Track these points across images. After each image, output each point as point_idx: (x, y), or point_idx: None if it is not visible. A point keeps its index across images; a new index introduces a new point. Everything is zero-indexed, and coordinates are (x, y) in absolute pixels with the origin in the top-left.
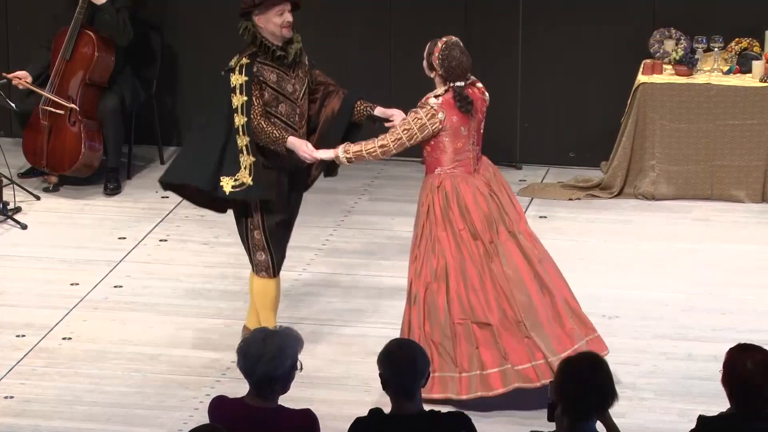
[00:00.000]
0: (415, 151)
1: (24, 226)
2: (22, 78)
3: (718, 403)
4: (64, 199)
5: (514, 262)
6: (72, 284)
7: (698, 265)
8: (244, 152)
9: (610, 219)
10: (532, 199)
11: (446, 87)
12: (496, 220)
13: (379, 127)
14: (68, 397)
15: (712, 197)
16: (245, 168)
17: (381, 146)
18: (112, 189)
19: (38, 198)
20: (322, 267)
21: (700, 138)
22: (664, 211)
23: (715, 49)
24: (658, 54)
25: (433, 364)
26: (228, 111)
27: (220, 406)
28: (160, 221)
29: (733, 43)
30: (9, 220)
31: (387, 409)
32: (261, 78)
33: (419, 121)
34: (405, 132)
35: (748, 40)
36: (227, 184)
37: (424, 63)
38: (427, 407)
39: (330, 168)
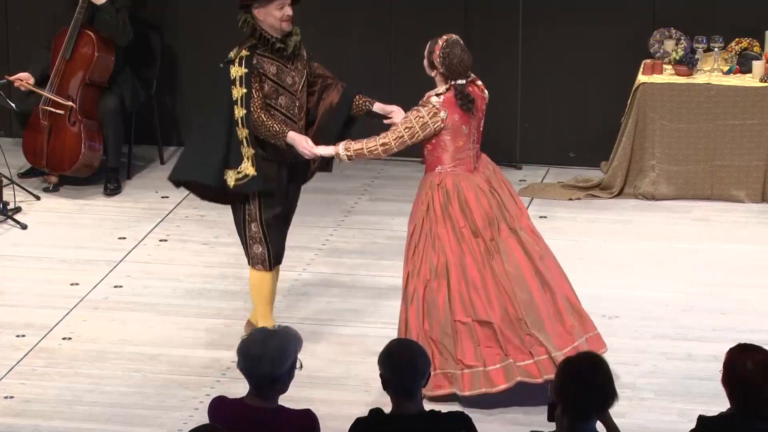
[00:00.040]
0: (415, 151)
1: (24, 226)
2: (24, 80)
3: (718, 403)
4: (64, 199)
5: (515, 259)
6: (72, 284)
7: (698, 265)
8: (245, 144)
9: (610, 219)
10: (532, 199)
11: (447, 85)
12: (497, 218)
13: (377, 123)
14: (68, 397)
15: (712, 197)
16: (248, 159)
17: (382, 144)
18: (112, 189)
19: (38, 198)
20: (322, 267)
21: (700, 138)
22: (664, 211)
23: (715, 49)
24: (658, 54)
25: (433, 362)
26: (229, 104)
27: (219, 406)
28: (160, 221)
29: (733, 43)
30: (9, 220)
31: (387, 409)
32: (261, 70)
33: (421, 119)
34: (407, 130)
35: (748, 40)
36: (231, 177)
37: (425, 62)
38: (428, 406)
39: (325, 163)
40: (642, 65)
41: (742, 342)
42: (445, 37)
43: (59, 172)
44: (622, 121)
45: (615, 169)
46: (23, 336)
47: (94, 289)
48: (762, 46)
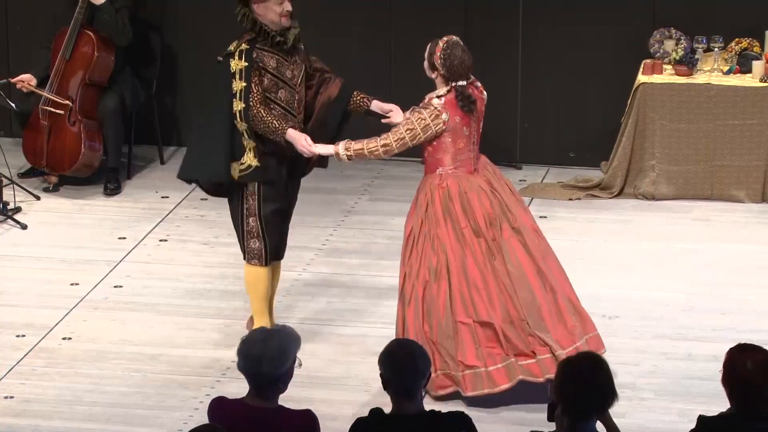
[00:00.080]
0: (415, 151)
1: (24, 226)
2: (26, 81)
3: (718, 403)
4: (64, 199)
5: (517, 259)
6: (72, 284)
7: (698, 265)
8: (246, 136)
9: (610, 219)
10: (532, 199)
11: (448, 87)
12: (499, 218)
13: (375, 121)
14: (68, 397)
15: (712, 197)
16: (249, 150)
17: (383, 145)
18: (112, 189)
19: (38, 198)
20: (322, 267)
21: (700, 138)
22: (664, 211)
23: (715, 49)
24: (658, 54)
25: (434, 364)
26: (229, 97)
27: (219, 406)
28: (160, 221)
29: (733, 43)
30: (9, 220)
31: (387, 409)
32: (260, 64)
33: (423, 121)
34: (408, 132)
35: (748, 40)
36: (235, 169)
37: (425, 63)
38: (430, 405)
39: (321, 159)
40: (642, 65)
41: (742, 342)
42: (445, 39)
43: (59, 172)
44: (622, 121)
45: (615, 169)
46: (23, 336)
47: (94, 289)
48: (762, 46)
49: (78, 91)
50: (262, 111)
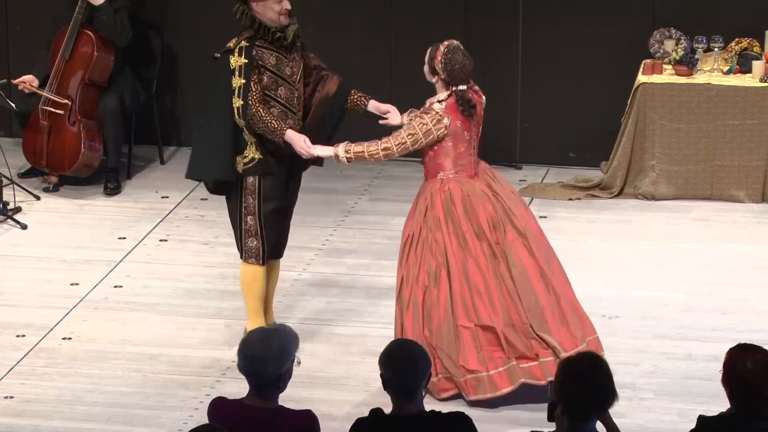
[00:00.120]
0: (416, 152)
1: (24, 226)
2: (27, 82)
3: (718, 403)
4: (64, 199)
5: (521, 262)
6: (72, 284)
7: (698, 265)
8: (246, 130)
9: (610, 219)
10: (532, 199)
11: (449, 91)
12: (502, 221)
13: (372, 122)
14: (68, 397)
15: (712, 197)
16: (251, 144)
17: (384, 149)
18: (112, 189)
19: (38, 198)
20: (322, 267)
21: (700, 138)
22: (664, 211)
23: (715, 49)
24: (658, 54)
25: (434, 368)
26: (230, 94)
27: (219, 407)
28: (160, 221)
29: (733, 43)
30: (9, 220)
31: (387, 409)
32: (260, 62)
33: (425, 126)
34: (410, 137)
35: (748, 40)
36: (239, 163)
37: (426, 68)
38: (430, 405)
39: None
40: (642, 65)
41: (742, 342)
42: (446, 43)
43: (59, 172)
44: (622, 121)
45: (615, 169)
46: (23, 336)
47: (94, 289)
48: (762, 46)
49: (78, 91)
50: (261, 110)
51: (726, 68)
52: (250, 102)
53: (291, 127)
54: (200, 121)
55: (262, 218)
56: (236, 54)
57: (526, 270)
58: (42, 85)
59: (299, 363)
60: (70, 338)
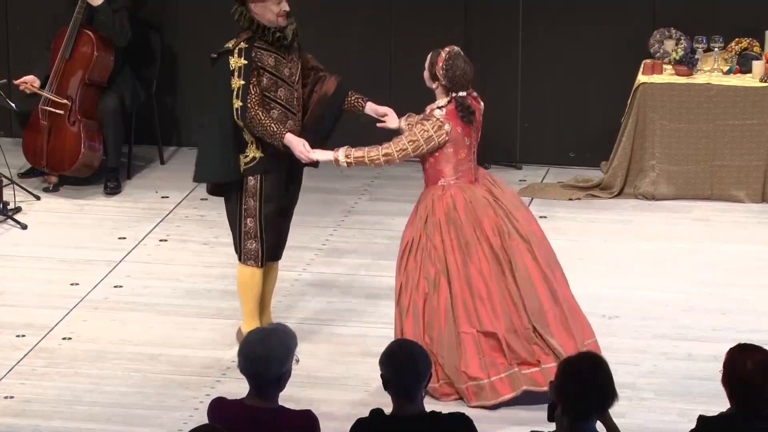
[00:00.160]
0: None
1: (24, 226)
2: (29, 82)
3: (718, 403)
4: (64, 199)
5: (525, 267)
6: (72, 284)
7: (698, 265)
8: (245, 130)
9: (610, 219)
10: (532, 199)
11: (449, 98)
12: (505, 225)
13: (370, 123)
14: (68, 397)
15: (712, 197)
16: (251, 143)
17: (385, 155)
18: (112, 189)
19: (38, 198)
20: (322, 267)
21: (700, 138)
22: (664, 211)
23: (715, 49)
24: (658, 54)
25: (436, 374)
26: (229, 96)
27: (219, 407)
28: (160, 221)
29: (733, 43)
30: (9, 220)
31: (387, 409)
32: (259, 63)
33: (426, 133)
34: (411, 143)
35: (748, 40)
36: (241, 161)
37: (426, 73)
38: (430, 405)
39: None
40: (642, 65)
41: (742, 342)
42: (447, 49)
43: (59, 172)
44: (622, 121)
45: (615, 169)
46: (23, 336)
47: (94, 289)
48: (762, 46)
49: (78, 91)
50: (260, 113)
51: (726, 68)
52: (249, 105)
53: (291, 129)
54: (201, 122)
55: (262, 220)
56: (235, 55)
57: (530, 274)
58: (42, 86)
59: (298, 361)
60: (70, 338)
